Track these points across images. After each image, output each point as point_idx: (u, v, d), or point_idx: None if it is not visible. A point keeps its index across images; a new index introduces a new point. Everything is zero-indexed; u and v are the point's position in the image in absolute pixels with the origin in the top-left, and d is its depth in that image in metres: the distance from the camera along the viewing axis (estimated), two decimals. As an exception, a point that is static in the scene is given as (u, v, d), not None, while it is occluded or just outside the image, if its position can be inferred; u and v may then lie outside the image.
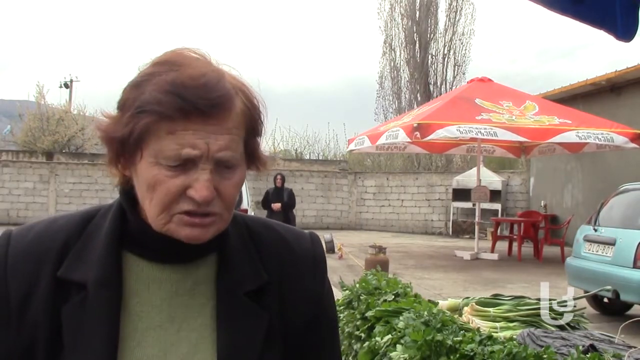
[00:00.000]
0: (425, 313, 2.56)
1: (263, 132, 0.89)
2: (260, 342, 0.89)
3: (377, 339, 2.60)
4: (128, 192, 0.89)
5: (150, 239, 0.88)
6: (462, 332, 2.35)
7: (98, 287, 0.86)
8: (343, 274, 6.89)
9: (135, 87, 0.83)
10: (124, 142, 0.83)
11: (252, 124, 0.87)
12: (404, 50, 27.83)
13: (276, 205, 11.02)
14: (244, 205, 11.02)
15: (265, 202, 11.23)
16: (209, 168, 0.81)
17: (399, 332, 2.47)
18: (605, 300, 7.21)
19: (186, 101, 0.78)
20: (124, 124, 0.82)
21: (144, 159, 0.83)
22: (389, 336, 2.53)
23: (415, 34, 27.56)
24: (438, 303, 3.14)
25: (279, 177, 11.45)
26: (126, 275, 0.89)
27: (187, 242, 0.85)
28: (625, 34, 1.71)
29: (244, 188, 11.50)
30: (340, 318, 3.32)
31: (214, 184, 0.82)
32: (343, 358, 3.27)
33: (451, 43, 27.53)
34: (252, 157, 0.89)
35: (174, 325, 0.88)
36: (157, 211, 0.83)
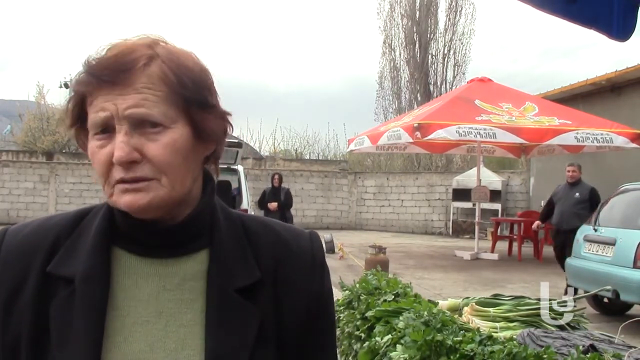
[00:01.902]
0: (425, 313, 2.56)
1: (210, 103, 0.89)
2: (251, 339, 0.88)
3: (377, 339, 2.60)
4: None
5: (134, 230, 0.89)
6: (462, 332, 2.35)
7: (85, 282, 0.86)
8: (343, 274, 6.88)
9: None
10: (73, 127, 0.89)
11: (183, 90, 0.85)
12: (404, 50, 27.86)
13: (272, 205, 11.02)
14: (244, 205, 10.98)
15: (262, 202, 11.23)
16: (124, 129, 0.83)
17: (399, 332, 2.47)
18: (605, 300, 7.21)
19: (94, 76, 0.84)
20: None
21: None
22: (389, 336, 2.53)
23: (415, 34, 27.58)
24: (438, 303, 3.14)
25: (276, 176, 11.49)
26: (114, 270, 0.89)
27: (130, 211, 0.85)
28: (621, 34, 1.70)
29: (243, 188, 11.46)
30: (340, 318, 3.33)
31: (137, 146, 0.83)
32: (343, 358, 3.27)
33: (451, 43, 27.58)
34: (199, 128, 0.88)
35: (162, 320, 0.88)
36: (102, 184, 0.86)
